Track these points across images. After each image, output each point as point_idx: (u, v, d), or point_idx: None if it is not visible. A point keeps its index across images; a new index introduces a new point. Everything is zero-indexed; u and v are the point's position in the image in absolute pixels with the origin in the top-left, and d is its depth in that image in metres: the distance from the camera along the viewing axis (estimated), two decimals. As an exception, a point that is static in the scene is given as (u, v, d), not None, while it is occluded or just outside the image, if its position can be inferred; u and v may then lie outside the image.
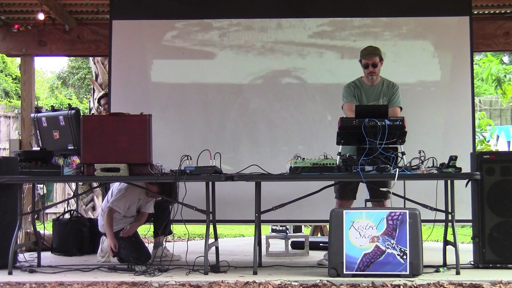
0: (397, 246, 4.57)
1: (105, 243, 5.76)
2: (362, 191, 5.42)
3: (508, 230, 5.04)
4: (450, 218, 4.99)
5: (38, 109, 6.13)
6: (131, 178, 5.06)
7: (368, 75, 5.51)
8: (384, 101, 5.50)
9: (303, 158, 4.90)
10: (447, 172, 4.82)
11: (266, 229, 7.23)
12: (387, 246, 4.58)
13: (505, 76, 11.28)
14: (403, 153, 4.97)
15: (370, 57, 5.48)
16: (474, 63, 7.79)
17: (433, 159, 4.95)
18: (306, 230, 7.86)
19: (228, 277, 4.62)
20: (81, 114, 5.61)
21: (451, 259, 4.91)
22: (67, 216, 6.61)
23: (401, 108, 5.53)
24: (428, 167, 4.90)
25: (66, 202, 7.04)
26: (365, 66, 5.51)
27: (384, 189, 5.15)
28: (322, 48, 6.82)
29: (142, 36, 6.95)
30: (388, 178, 5.00)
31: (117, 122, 5.01)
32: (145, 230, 5.93)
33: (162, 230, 5.52)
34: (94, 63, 9.94)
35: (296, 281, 4.45)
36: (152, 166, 4.98)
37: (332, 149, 5.09)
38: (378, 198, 5.26)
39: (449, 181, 4.99)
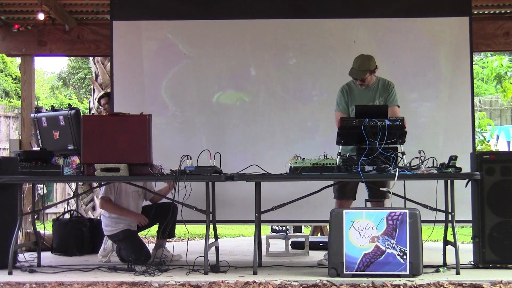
0: (397, 246, 4.57)
1: (109, 242, 5.77)
2: (362, 191, 5.42)
3: (508, 230, 5.04)
4: (450, 218, 4.99)
5: (38, 109, 6.12)
6: (131, 178, 5.06)
7: (360, 86, 5.52)
8: (380, 102, 5.49)
9: (303, 158, 4.90)
10: (447, 172, 4.82)
11: (266, 229, 7.22)
12: (387, 246, 4.58)
13: (505, 73, 11.26)
14: (403, 153, 4.96)
15: (356, 77, 5.47)
16: (474, 63, 7.79)
17: (433, 159, 4.95)
18: (306, 230, 7.85)
19: (228, 277, 4.62)
20: (81, 114, 5.61)
21: (451, 259, 4.91)
22: (67, 216, 6.61)
23: (398, 106, 5.53)
24: (428, 167, 4.90)
25: (66, 202, 7.04)
26: (354, 78, 5.52)
27: (384, 189, 5.15)
28: (322, 49, 6.82)
29: (143, 36, 6.95)
30: (388, 178, 5.00)
31: (117, 122, 5.01)
32: (146, 231, 5.91)
33: (163, 232, 5.51)
34: (94, 63, 9.92)
35: (296, 281, 4.45)
36: (152, 166, 4.98)
37: (332, 149, 5.09)
38: (377, 198, 5.26)
39: (449, 181, 4.99)
